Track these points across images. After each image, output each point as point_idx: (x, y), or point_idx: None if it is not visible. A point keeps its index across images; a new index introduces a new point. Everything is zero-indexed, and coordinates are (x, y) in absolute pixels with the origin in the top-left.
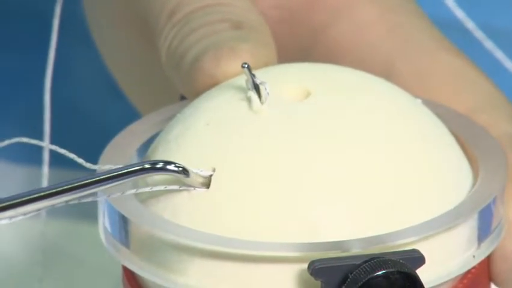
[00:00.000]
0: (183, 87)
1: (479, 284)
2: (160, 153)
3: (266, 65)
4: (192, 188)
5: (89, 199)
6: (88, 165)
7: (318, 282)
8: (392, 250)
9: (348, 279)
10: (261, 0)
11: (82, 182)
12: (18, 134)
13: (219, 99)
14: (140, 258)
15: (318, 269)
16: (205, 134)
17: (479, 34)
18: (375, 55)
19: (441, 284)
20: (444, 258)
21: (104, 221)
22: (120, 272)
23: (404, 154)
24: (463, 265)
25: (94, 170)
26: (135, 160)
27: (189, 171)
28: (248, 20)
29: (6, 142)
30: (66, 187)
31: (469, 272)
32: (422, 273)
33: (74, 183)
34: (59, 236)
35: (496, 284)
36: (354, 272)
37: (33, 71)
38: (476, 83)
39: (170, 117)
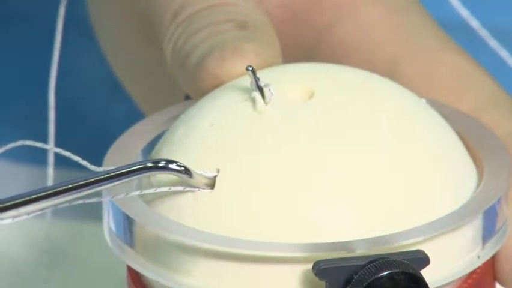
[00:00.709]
0: (188, 87)
1: (484, 284)
2: (164, 153)
3: (271, 65)
4: (197, 189)
5: (94, 200)
6: (93, 167)
7: (323, 283)
8: (396, 251)
9: (353, 280)
10: (265, 0)
11: (85, 181)
12: (23, 135)
13: (223, 99)
14: (145, 259)
15: (323, 269)
16: (209, 134)
17: (483, 33)
18: (380, 55)
19: (446, 284)
20: (449, 259)
21: (109, 222)
22: (125, 272)
23: (408, 154)
24: (468, 265)
25: None
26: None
27: (192, 171)
28: (253, 20)
29: (11, 145)
30: (69, 186)
31: (473, 272)
32: (426, 273)
33: (76, 182)
34: (64, 237)
35: (501, 283)
36: (359, 273)
37: (37, 72)
38: (480, 82)
39: (175, 118)
